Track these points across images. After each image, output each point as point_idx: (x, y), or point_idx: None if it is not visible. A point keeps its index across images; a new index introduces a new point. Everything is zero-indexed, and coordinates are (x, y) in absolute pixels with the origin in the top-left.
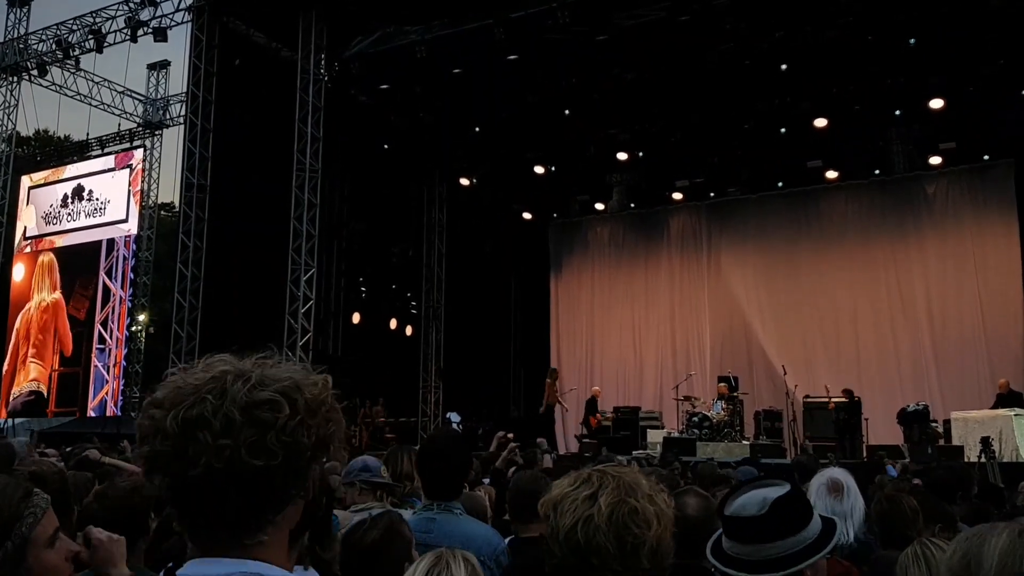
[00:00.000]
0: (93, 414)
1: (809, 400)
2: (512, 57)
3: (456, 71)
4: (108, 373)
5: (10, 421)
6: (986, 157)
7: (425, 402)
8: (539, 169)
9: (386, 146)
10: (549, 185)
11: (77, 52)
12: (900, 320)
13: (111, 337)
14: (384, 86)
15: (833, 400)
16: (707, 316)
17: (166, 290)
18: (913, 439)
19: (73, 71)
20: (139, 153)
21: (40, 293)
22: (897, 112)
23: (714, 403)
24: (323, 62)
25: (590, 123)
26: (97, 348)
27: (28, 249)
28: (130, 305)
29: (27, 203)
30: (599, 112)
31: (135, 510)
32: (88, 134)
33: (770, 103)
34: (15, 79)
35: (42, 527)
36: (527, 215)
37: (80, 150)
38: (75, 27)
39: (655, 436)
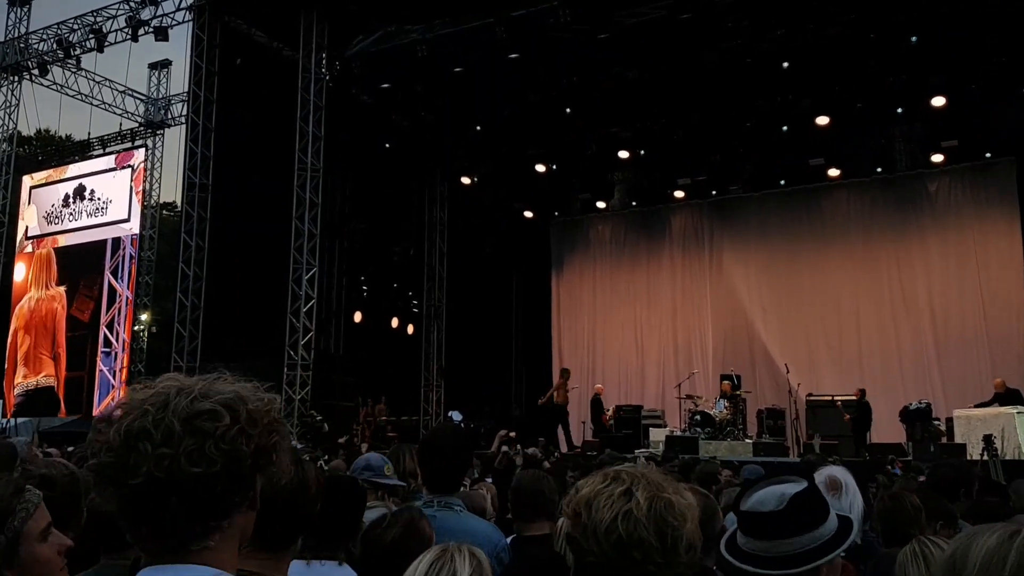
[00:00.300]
0: None
1: (812, 398)
2: (513, 56)
3: (457, 70)
4: (114, 378)
5: (12, 420)
6: (988, 155)
7: (427, 401)
8: (540, 168)
9: (387, 145)
10: (550, 183)
11: (78, 51)
12: (902, 318)
13: (117, 340)
14: (385, 85)
15: (838, 398)
16: (709, 314)
17: (168, 289)
18: (915, 437)
19: (74, 70)
20: (140, 153)
21: (37, 288)
22: (899, 110)
23: (716, 401)
24: (324, 61)
25: (591, 121)
26: (103, 351)
27: (29, 249)
28: (133, 305)
29: (28, 203)
30: (600, 110)
31: None
32: (89, 134)
33: (772, 101)
34: (16, 79)
35: (34, 521)
36: (528, 214)
37: (81, 150)
38: (76, 26)
39: (657, 435)
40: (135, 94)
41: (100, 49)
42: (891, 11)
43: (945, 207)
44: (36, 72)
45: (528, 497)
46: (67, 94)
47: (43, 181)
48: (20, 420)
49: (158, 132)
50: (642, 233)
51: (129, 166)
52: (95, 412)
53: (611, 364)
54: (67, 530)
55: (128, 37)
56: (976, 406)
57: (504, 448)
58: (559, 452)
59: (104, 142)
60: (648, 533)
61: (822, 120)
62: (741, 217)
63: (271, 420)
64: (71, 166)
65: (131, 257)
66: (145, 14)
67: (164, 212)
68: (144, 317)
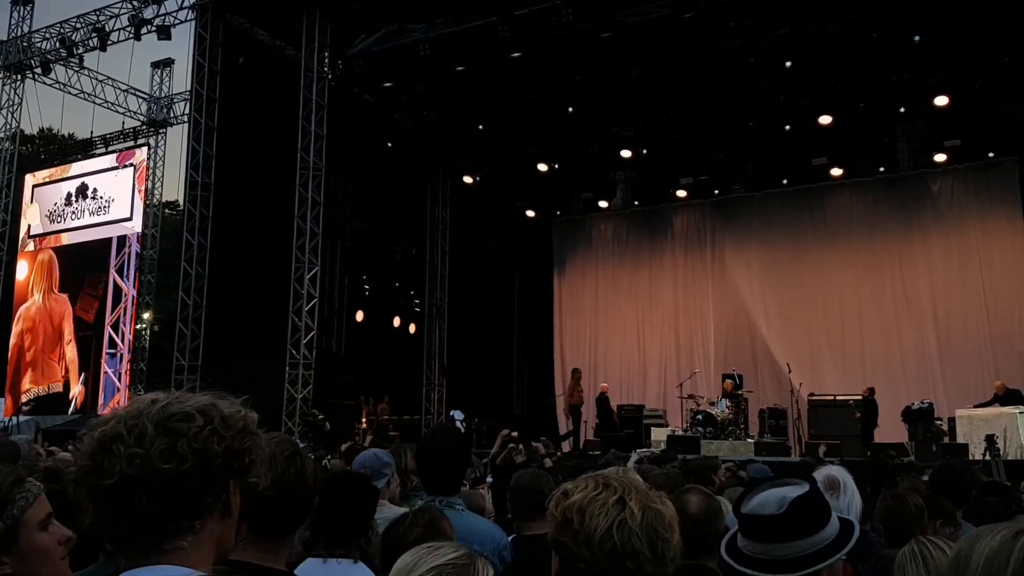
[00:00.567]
0: None
1: (814, 398)
2: (515, 55)
3: (459, 69)
4: (120, 381)
5: (15, 419)
6: (991, 155)
7: (428, 400)
8: (543, 167)
9: (389, 144)
10: (552, 183)
11: (81, 50)
12: (905, 318)
13: (123, 341)
14: (388, 84)
15: (841, 398)
16: (711, 314)
17: (170, 288)
18: (918, 437)
19: (77, 69)
20: (141, 151)
21: (39, 294)
22: (902, 109)
23: (718, 401)
24: (327, 60)
25: (594, 121)
26: (108, 353)
27: (32, 247)
28: (136, 304)
29: (31, 201)
30: (603, 110)
31: None
32: (92, 132)
33: (774, 101)
34: (19, 77)
35: (33, 511)
36: (530, 213)
37: (84, 148)
38: (79, 25)
39: (659, 434)
40: (138, 93)
41: (103, 48)
42: (893, 10)
43: (948, 207)
44: (39, 71)
45: (528, 496)
46: (70, 93)
47: (46, 180)
48: (22, 418)
49: (160, 131)
50: (644, 232)
51: (130, 164)
52: (99, 414)
53: (613, 363)
54: (72, 525)
55: (131, 36)
56: (975, 407)
57: (511, 444)
58: (560, 452)
59: (107, 141)
60: (642, 543)
61: (824, 119)
62: (743, 216)
63: (245, 426)
64: (74, 165)
65: (138, 254)
66: (148, 13)
67: (166, 211)
68: (146, 316)
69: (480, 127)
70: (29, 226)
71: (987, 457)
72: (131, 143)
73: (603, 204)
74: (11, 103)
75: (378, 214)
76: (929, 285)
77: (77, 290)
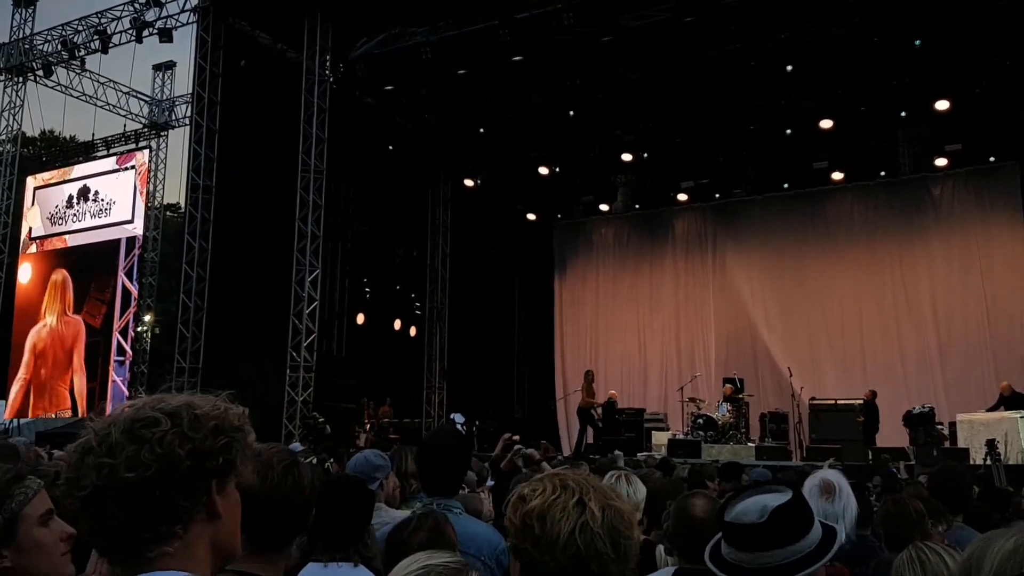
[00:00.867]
0: None
1: (815, 402)
2: (517, 58)
3: (461, 72)
4: (128, 389)
5: (16, 421)
6: (992, 159)
7: (429, 403)
8: (543, 170)
9: (391, 147)
10: (553, 186)
11: (82, 53)
12: (906, 322)
13: (131, 347)
14: (389, 87)
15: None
16: (712, 317)
17: (171, 291)
18: (918, 441)
19: (78, 72)
20: (143, 154)
21: (51, 316)
22: (903, 113)
23: (719, 405)
24: (328, 63)
25: (594, 124)
26: (116, 360)
27: (33, 249)
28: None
29: (32, 204)
30: (603, 113)
31: None
32: (93, 135)
33: (775, 104)
34: (20, 80)
35: (33, 506)
36: (531, 216)
37: (85, 151)
38: (80, 28)
39: (660, 438)
40: (139, 95)
41: (104, 50)
42: (894, 14)
43: (949, 211)
44: (40, 73)
45: None
46: (71, 95)
47: (47, 182)
48: (23, 420)
49: (162, 133)
50: (645, 236)
51: (131, 166)
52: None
53: (613, 367)
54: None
55: (132, 38)
56: (987, 411)
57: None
58: (560, 455)
59: (108, 143)
60: (604, 545)
61: (825, 123)
62: (744, 220)
63: (220, 425)
64: (75, 167)
65: (138, 256)
66: (149, 15)
67: (168, 213)
68: (147, 318)
69: (481, 130)
70: (30, 228)
71: (988, 462)
72: (132, 146)
73: (604, 207)
74: (12, 105)
75: (379, 217)
76: (930, 289)
77: (83, 296)
